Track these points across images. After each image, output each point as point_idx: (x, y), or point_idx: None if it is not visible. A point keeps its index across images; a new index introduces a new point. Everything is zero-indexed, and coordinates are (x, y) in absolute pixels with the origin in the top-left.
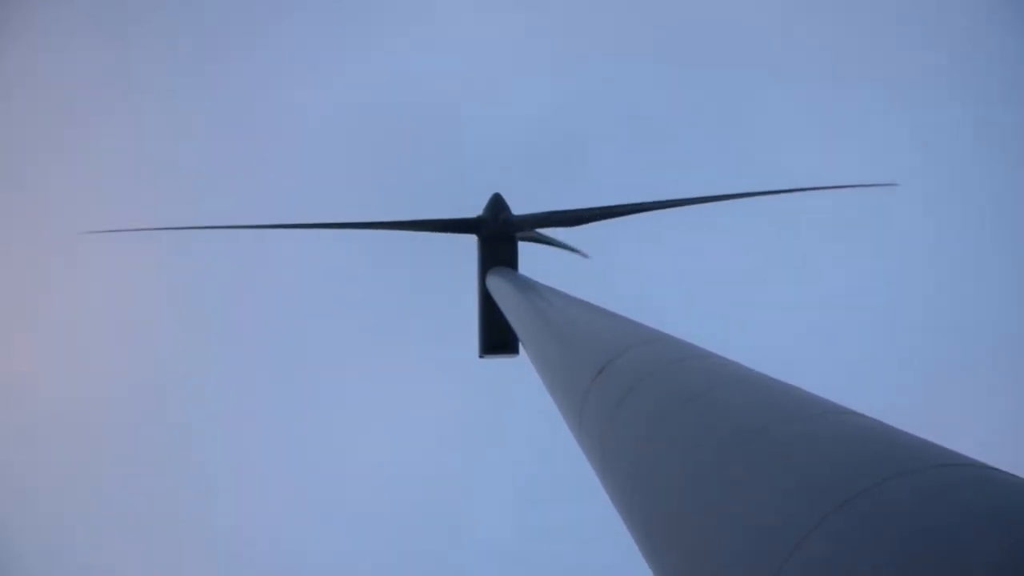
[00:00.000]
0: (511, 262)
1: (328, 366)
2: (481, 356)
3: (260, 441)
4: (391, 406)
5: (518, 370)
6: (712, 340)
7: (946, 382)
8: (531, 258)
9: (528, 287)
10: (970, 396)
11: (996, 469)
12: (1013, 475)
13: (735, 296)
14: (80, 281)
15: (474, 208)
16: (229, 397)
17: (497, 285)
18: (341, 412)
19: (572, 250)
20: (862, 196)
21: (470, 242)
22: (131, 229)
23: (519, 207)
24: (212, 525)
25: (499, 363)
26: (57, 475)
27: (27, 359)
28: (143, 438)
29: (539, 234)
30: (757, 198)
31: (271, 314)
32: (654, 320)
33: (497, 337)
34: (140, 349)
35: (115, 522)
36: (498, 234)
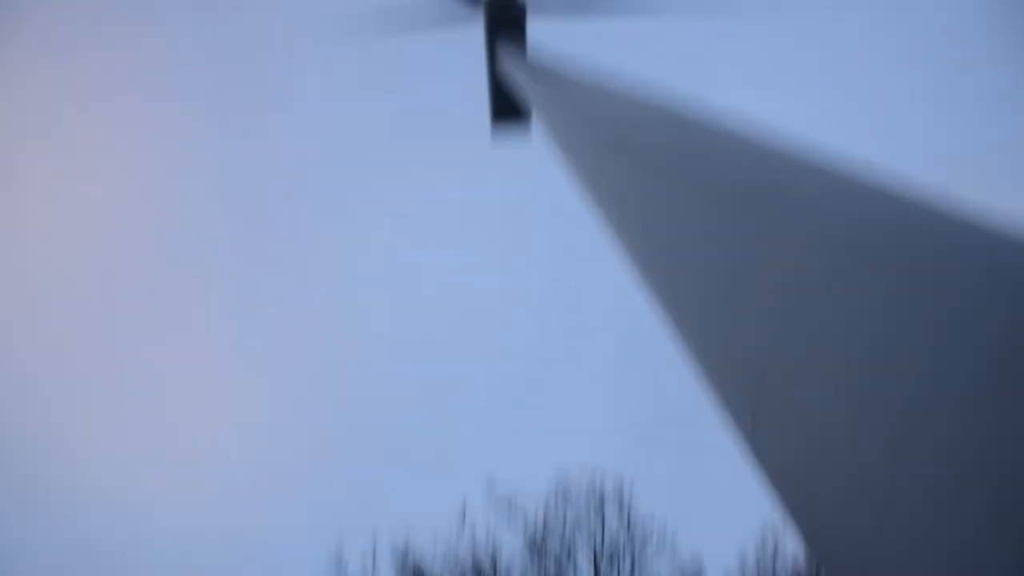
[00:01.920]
0: (521, 42)
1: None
2: (493, 124)
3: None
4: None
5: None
6: None
7: None
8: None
9: (542, 64)
10: None
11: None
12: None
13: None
14: None
15: None
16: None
17: (506, 57)
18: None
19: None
20: None
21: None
22: None
23: None
24: None
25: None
26: None
27: None
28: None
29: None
30: None
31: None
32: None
33: (507, 103)
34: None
35: None
36: (506, 17)
